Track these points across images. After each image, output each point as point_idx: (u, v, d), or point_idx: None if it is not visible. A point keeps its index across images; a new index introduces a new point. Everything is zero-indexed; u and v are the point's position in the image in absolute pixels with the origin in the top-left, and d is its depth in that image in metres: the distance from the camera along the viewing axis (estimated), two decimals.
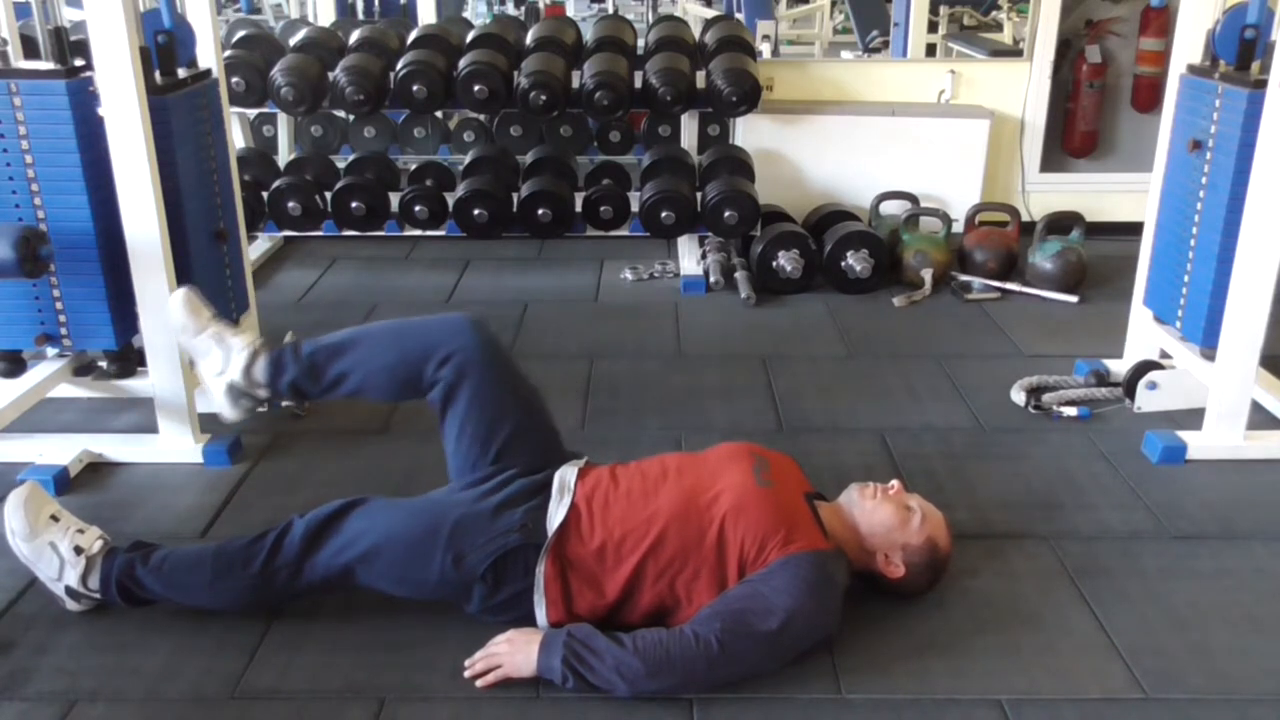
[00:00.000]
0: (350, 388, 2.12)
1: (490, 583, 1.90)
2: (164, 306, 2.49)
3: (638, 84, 4.08)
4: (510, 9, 8.27)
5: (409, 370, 2.08)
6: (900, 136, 4.41)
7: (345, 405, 2.95)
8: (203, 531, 2.33)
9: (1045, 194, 4.59)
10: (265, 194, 4.03)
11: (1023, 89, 4.54)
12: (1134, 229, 3.15)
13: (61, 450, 2.53)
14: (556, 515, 1.94)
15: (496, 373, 2.08)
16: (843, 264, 3.84)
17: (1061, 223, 3.92)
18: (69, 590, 1.98)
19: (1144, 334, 3.05)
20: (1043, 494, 2.50)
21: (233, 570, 1.95)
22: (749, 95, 3.96)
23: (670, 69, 3.99)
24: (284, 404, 2.91)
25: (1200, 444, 2.65)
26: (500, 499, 1.96)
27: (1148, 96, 4.81)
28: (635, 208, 4.01)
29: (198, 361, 2.16)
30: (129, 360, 2.67)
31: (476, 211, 3.94)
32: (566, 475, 2.03)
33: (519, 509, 1.94)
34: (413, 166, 4.51)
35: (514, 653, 1.84)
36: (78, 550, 1.97)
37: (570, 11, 8.04)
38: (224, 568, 1.96)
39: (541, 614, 1.90)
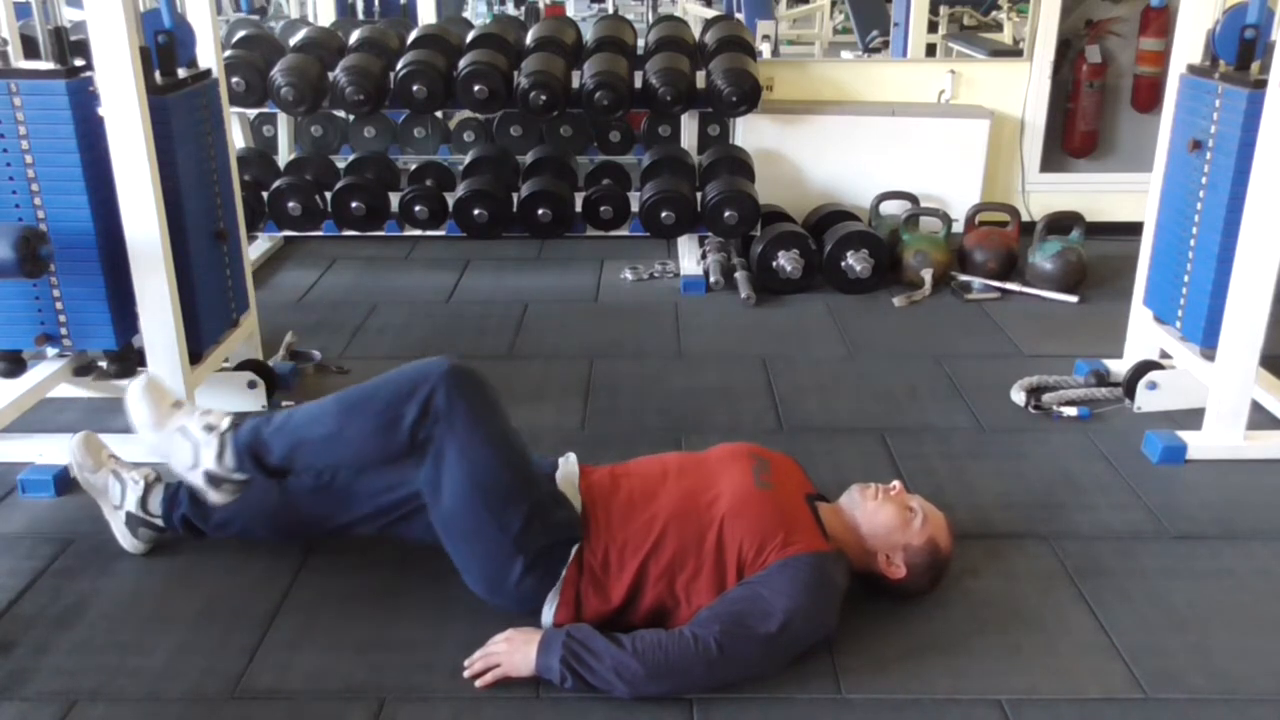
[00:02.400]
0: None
1: (526, 565, 1.89)
2: (164, 306, 2.50)
3: (638, 84, 4.08)
4: (510, 9, 8.27)
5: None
6: (900, 136, 4.41)
7: None
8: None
9: (1045, 194, 4.59)
10: (265, 194, 4.03)
11: (1023, 89, 4.54)
12: (1134, 229, 3.15)
13: (61, 450, 2.52)
14: (579, 520, 1.95)
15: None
16: (843, 264, 3.84)
17: (1061, 223, 3.92)
18: (209, 476, 1.93)
19: (1144, 334, 3.05)
20: (1043, 494, 2.50)
21: (359, 410, 1.89)
22: (749, 95, 3.96)
23: (670, 69, 3.99)
24: (284, 404, 2.91)
25: (1200, 444, 2.65)
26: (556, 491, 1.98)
27: (1148, 96, 4.82)
28: (635, 208, 4.01)
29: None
30: (129, 360, 2.67)
31: (476, 211, 3.94)
32: (571, 476, 2.03)
33: (569, 508, 1.95)
34: (413, 166, 4.52)
35: (513, 652, 1.84)
36: (209, 429, 1.93)
37: (570, 11, 8.04)
38: (350, 409, 1.91)
39: (550, 613, 1.91)
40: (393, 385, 1.90)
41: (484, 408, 1.91)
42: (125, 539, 2.18)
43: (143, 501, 2.16)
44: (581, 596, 1.91)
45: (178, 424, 1.96)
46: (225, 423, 1.96)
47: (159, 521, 2.16)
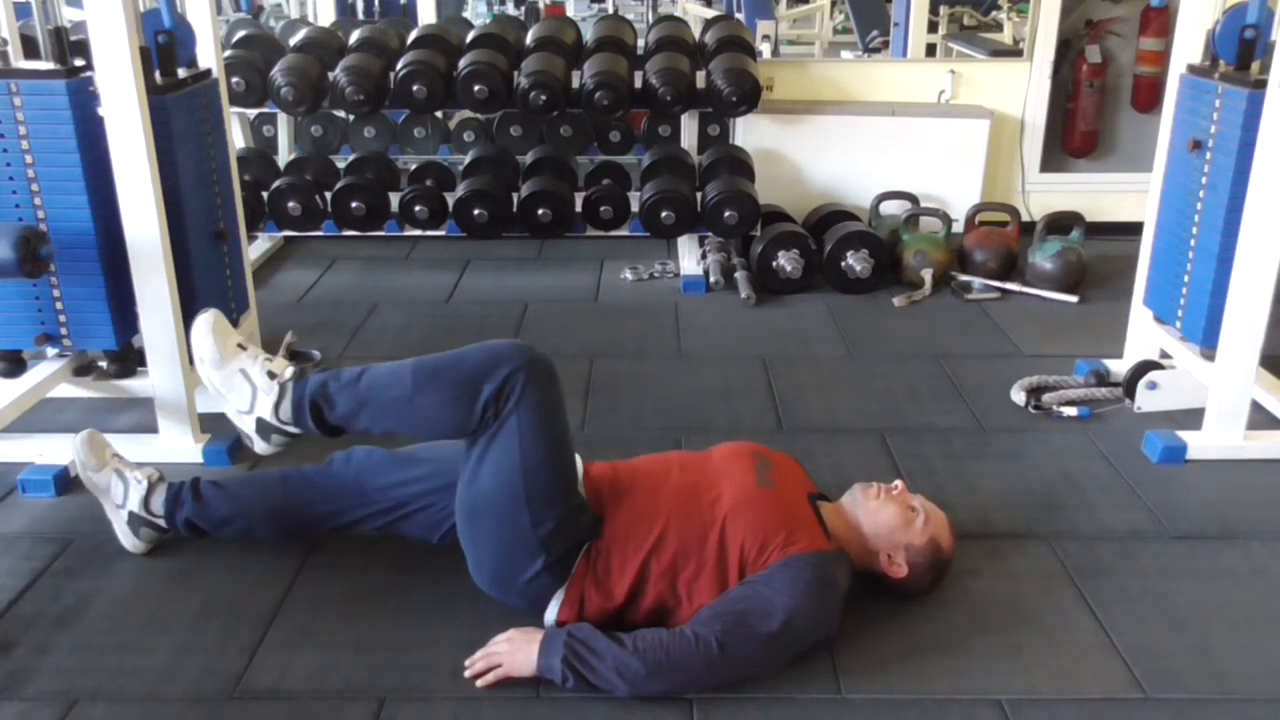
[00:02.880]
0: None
1: (544, 564, 1.88)
2: (164, 306, 2.50)
3: (638, 84, 4.08)
4: (510, 9, 8.27)
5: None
6: (900, 136, 4.41)
7: None
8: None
9: (1045, 194, 4.59)
10: (265, 194, 4.03)
11: (1023, 89, 4.54)
12: (1134, 229, 3.15)
13: (61, 450, 2.53)
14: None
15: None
16: (843, 264, 3.84)
17: (1061, 223, 3.92)
18: (260, 424, 1.91)
19: (1144, 334, 3.05)
20: (1043, 494, 2.50)
21: (437, 378, 1.86)
22: (749, 95, 3.96)
23: (670, 69, 3.99)
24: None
25: (1200, 444, 2.65)
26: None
27: (1148, 96, 4.82)
28: (635, 208, 4.01)
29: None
30: (129, 360, 2.67)
31: (476, 211, 3.94)
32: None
33: (591, 510, 1.95)
34: (413, 166, 4.52)
35: (514, 652, 1.84)
36: (271, 375, 1.91)
37: (570, 11, 8.03)
38: (428, 376, 1.87)
39: (554, 611, 1.91)
40: (474, 359, 1.87)
41: (554, 403, 1.91)
42: (127, 539, 2.18)
43: (145, 501, 2.16)
44: (585, 594, 1.91)
45: (240, 365, 1.93)
46: (288, 373, 1.94)
47: (161, 522, 2.16)
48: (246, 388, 1.92)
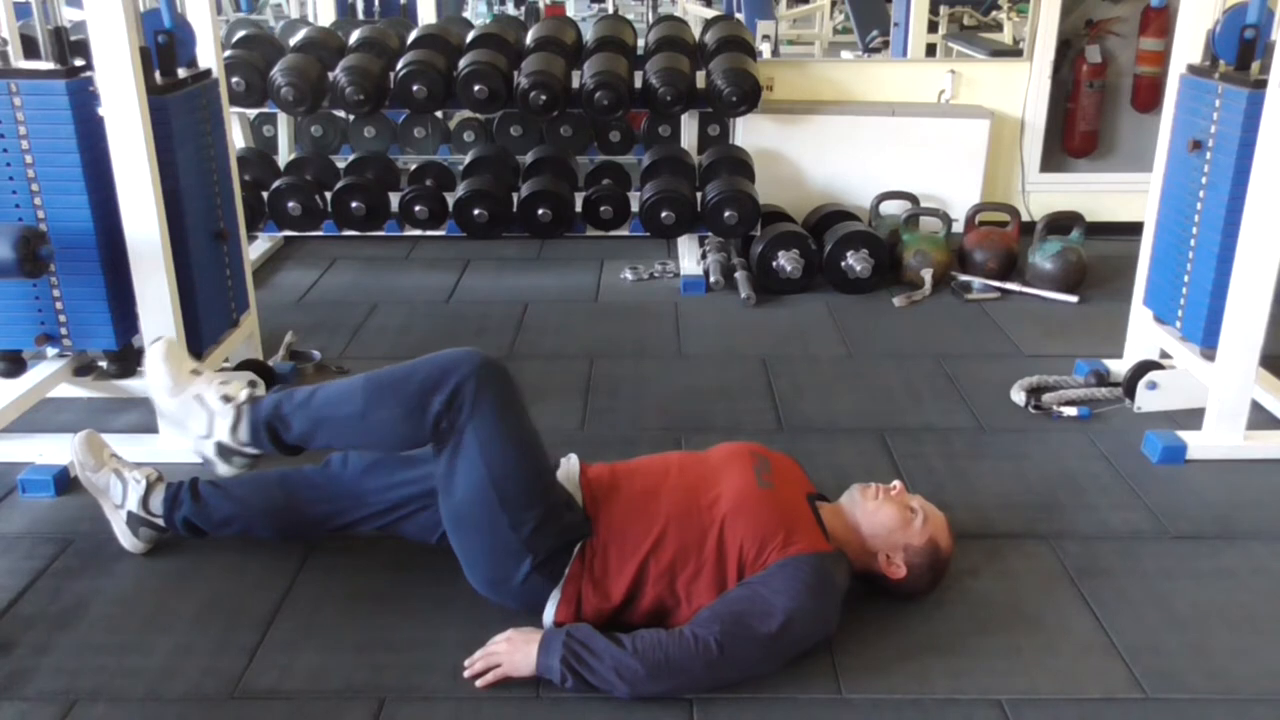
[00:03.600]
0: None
1: (534, 565, 1.89)
2: (164, 306, 2.50)
3: (638, 84, 4.08)
4: (510, 9, 8.27)
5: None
6: (900, 136, 4.41)
7: None
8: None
9: (1045, 194, 4.59)
10: (265, 194, 4.03)
11: (1023, 89, 4.54)
12: (1134, 229, 3.15)
13: (61, 450, 2.52)
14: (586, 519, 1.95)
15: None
16: (843, 264, 3.84)
17: (1061, 223, 3.92)
18: (220, 448, 1.91)
19: (1144, 334, 3.05)
20: (1043, 494, 2.50)
21: (388, 394, 1.87)
22: (749, 95, 3.96)
23: (670, 69, 3.99)
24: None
25: (1200, 444, 2.65)
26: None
27: (1148, 96, 4.82)
28: (635, 208, 4.01)
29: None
30: (129, 360, 2.67)
31: (476, 211, 3.94)
32: (571, 475, 2.03)
33: (578, 509, 1.96)
34: (413, 166, 4.51)
35: (513, 652, 1.84)
36: (226, 399, 1.91)
37: (570, 11, 8.03)
38: (378, 392, 1.88)
39: (551, 611, 1.91)
40: (423, 372, 1.88)
41: (510, 406, 1.91)
42: (126, 539, 2.18)
43: (144, 501, 2.16)
44: (582, 594, 1.91)
45: (195, 391, 1.94)
46: (244, 395, 1.94)
47: (160, 521, 2.16)
48: (203, 413, 1.93)
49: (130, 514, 2.16)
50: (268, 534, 2.19)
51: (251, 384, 1.96)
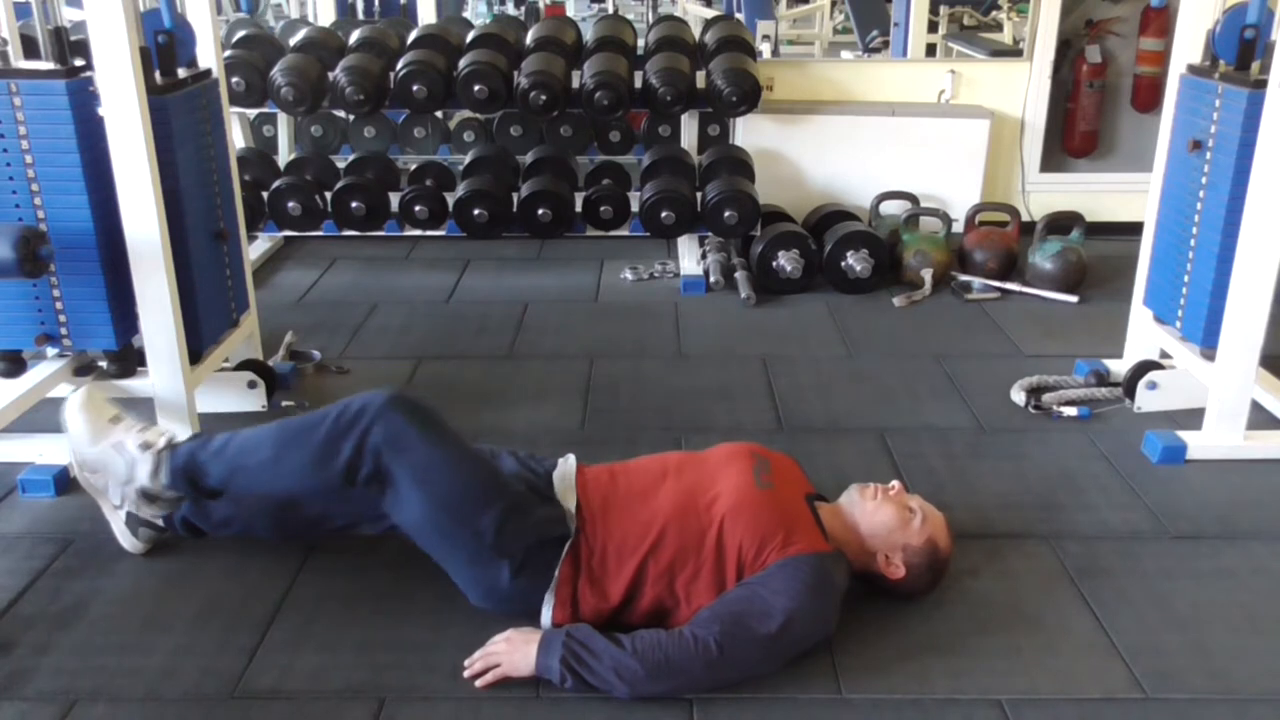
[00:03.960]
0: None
1: (514, 567, 1.89)
2: (164, 306, 2.50)
3: (638, 84, 4.08)
4: (510, 9, 8.27)
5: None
6: (900, 136, 4.41)
7: None
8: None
9: (1045, 194, 4.59)
10: (265, 194, 4.03)
11: (1023, 89, 4.54)
12: (1134, 229, 3.15)
13: (61, 450, 2.52)
14: (570, 516, 1.94)
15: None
16: (843, 264, 3.84)
17: (1061, 223, 3.92)
18: (143, 493, 1.92)
19: (1144, 334, 3.05)
20: (1043, 494, 2.50)
21: (298, 439, 1.90)
22: (749, 95, 3.96)
23: (670, 69, 3.99)
24: (284, 404, 2.91)
25: (1200, 444, 2.65)
26: (536, 491, 1.99)
27: (1148, 96, 4.82)
28: (635, 208, 4.01)
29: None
30: (129, 360, 2.67)
31: (476, 211, 3.94)
32: (567, 475, 2.03)
33: (555, 505, 1.96)
34: (413, 166, 4.51)
35: (512, 652, 1.84)
36: (145, 446, 1.93)
37: (570, 11, 8.03)
38: (288, 439, 1.91)
39: (548, 613, 1.90)
40: (332, 419, 1.91)
41: (427, 430, 1.92)
42: (125, 539, 2.18)
43: (154, 474, 2.13)
44: (579, 595, 1.91)
45: (114, 440, 1.95)
46: (162, 441, 1.96)
47: (159, 522, 2.16)
48: (122, 460, 1.95)
49: (130, 514, 2.16)
50: (268, 533, 2.19)
51: (166, 432, 1.99)
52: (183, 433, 2.59)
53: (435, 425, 1.94)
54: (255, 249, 4.20)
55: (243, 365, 2.94)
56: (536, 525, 1.91)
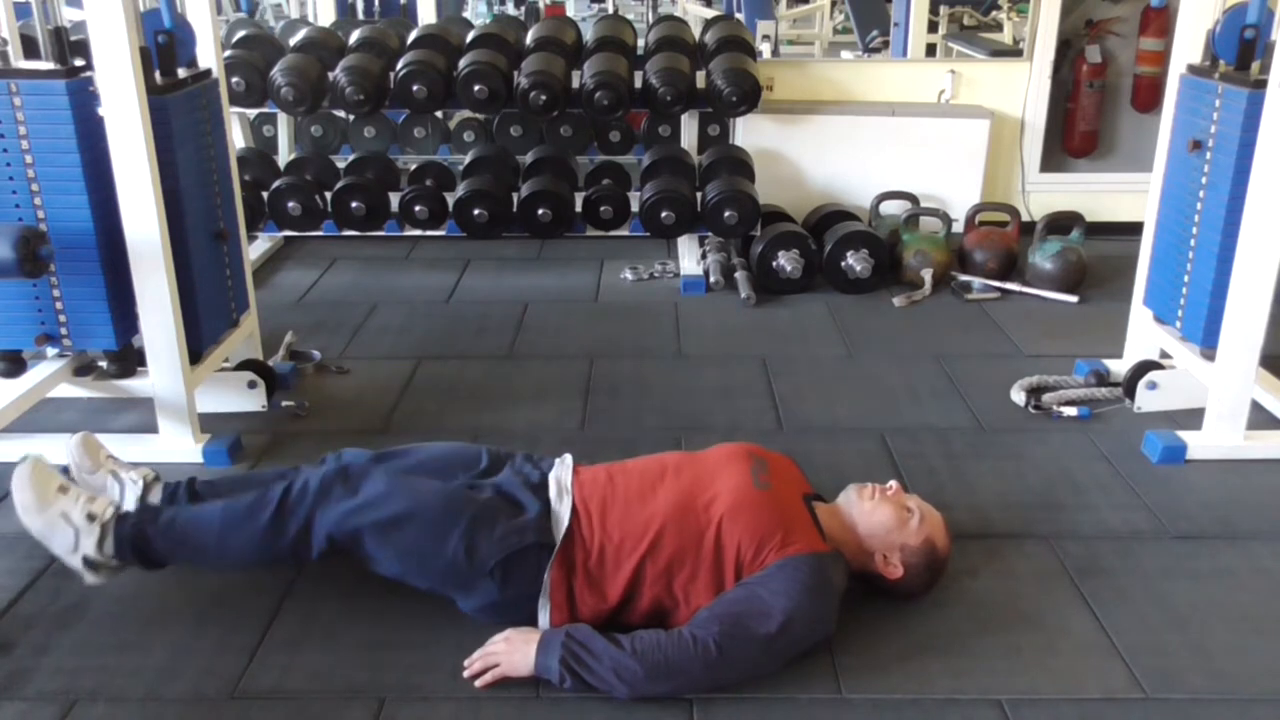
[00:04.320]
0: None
1: (498, 580, 1.89)
2: (164, 306, 2.50)
3: (638, 84, 4.08)
4: (510, 9, 8.27)
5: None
6: (900, 136, 4.41)
7: (345, 405, 2.96)
8: None
9: (1045, 194, 4.59)
10: (265, 194, 4.03)
11: (1023, 89, 4.54)
12: (1134, 229, 3.15)
13: (61, 450, 2.52)
14: (562, 518, 1.94)
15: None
16: (843, 264, 3.84)
17: (1061, 223, 3.92)
18: (87, 561, 1.94)
19: (1144, 334, 3.05)
20: (1043, 494, 2.50)
21: (242, 523, 1.92)
22: (749, 95, 3.96)
23: (670, 69, 3.99)
24: (284, 403, 2.91)
25: (1200, 444, 2.65)
26: (513, 491, 1.99)
27: (1148, 96, 4.82)
28: (635, 208, 4.01)
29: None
30: (129, 360, 2.67)
31: (476, 211, 3.94)
32: (561, 477, 2.03)
33: (531, 509, 1.95)
34: (413, 166, 4.52)
35: (512, 652, 1.84)
36: (90, 517, 1.94)
37: (570, 11, 8.04)
38: (233, 521, 1.93)
39: (545, 617, 1.90)
40: (274, 502, 1.93)
41: (366, 494, 1.93)
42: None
43: (142, 500, 2.15)
44: (576, 596, 1.91)
45: (60, 509, 1.96)
46: (109, 512, 1.98)
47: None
48: (69, 530, 1.95)
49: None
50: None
51: (115, 504, 2.01)
52: (182, 433, 2.60)
53: (367, 479, 1.95)
54: (255, 249, 4.20)
55: (243, 365, 2.94)
56: (507, 535, 1.91)
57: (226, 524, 1.95)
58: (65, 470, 2.44)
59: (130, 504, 2.15)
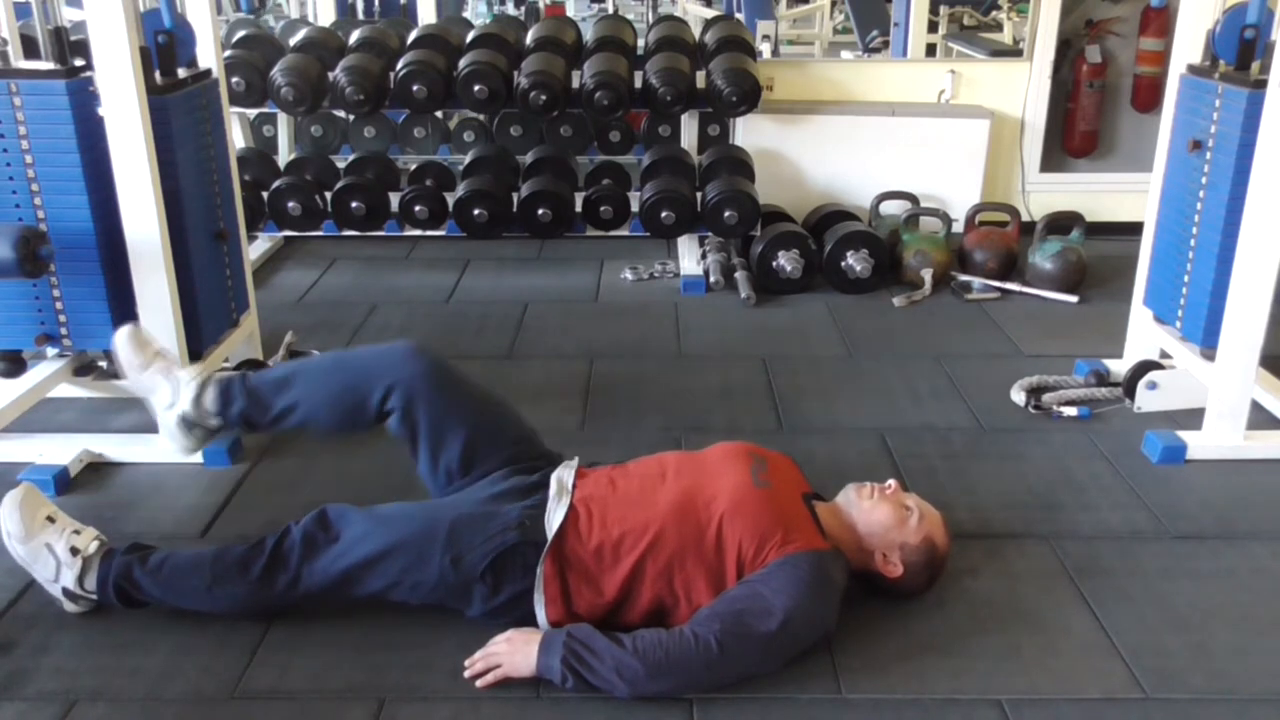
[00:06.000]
0: (297, 419, 2.14)
1: (490, 583, 1.90)
2: (164, 306, 2.50)
3: (638, 84, 4.08)
4: (510, 9, 8.26)
5: (353, 400, 2.10)
6: (900, 136, 4.41)
7: None
8: (202, 532, 2.33)
9: (1045, 194, 4.59)
10: (265, 194, 4.03)
11: (1023, 89, 4.54)
12: (1134, 229, 3.16)
13: (61, 450, 2.53)
14: (556, 515, 1.94)
15: (448, 395, 2.10)
16: (843, 264, 3.84)
17: (1061, 223, 3.92)
18: (66, 592, 1.98)
19: (1144, 334, 3.05)
20: (1043, 494, 2.50)
21: (232, 576, 1.95)
22: (749, 95, 3.96)
23: (670, 69, 3.99)
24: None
25: (1200, 444, 2.65)
26: (494, 495, 1.99)
27: (1148, 96, 4.82)
28: (635, 208, 4.01)
29: (148, 397, 2.17)
30: None
31: (476, 211, 3.94)
32: (564, 476, 2.03)
33: (516, 507, 1.95)
34: (413, 166, 4.51)
35: (513, 652, 1.84)
36: (74, 551, 1.96)
37: (570, 11, 8.03)
38: (223, 573, 1.95)
39: (541, 613, 1.90)
40: (266, 558, 1.94)
41: (346, 539, 1.93)
42: (178, 440, 2.18)
43: (197, 401, 2.14)
44: (571, 590, 1.90)
45: (46, 539, 1.97)
46: (93, 548, 1.98)
47: (214, 422, 2.16)
48: (51, 561, 1.97)
49: (183, 416, 2.14)
50: (329, 424, 2.17)
51: (99, 538, 2.01)
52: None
53: (352, 527, 1.95)
54: (255, 249, 4.19)
55: (243, 365, 2.94)
56: (486, 542, 1.90)
57: (218, 575, 1.95)
58: (66, 470, 2.45)
59: (186, 406, 2.14)
